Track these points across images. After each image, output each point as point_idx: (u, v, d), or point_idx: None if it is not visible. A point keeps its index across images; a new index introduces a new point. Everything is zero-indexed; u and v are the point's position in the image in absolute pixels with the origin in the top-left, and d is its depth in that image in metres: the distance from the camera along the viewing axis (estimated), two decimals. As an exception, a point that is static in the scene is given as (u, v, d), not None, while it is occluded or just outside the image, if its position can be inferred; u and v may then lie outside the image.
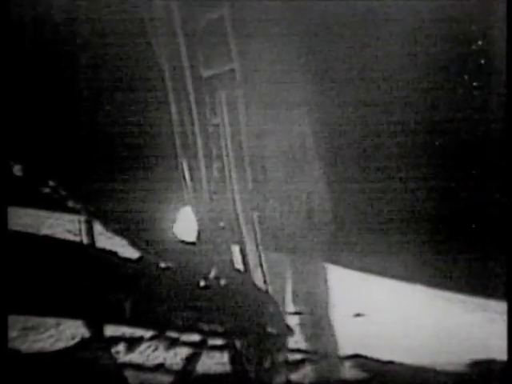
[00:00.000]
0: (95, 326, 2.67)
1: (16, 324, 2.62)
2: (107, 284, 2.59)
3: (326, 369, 2.75)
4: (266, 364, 2.71)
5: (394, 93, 2.91)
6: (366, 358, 2.83)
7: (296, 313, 2.82)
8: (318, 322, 2.80)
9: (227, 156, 2.72)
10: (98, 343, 2.66)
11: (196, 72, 2.72)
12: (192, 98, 2.74)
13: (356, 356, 2.82)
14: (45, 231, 2.83)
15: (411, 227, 2.91)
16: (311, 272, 2.87)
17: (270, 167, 2.86)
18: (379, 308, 2.91)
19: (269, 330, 2.74)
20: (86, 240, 2.77)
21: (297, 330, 2.80)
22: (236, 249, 2.80)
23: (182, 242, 2.84)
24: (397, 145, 2.91)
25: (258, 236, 2.77)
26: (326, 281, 2.86)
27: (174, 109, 2.78)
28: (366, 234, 2.92)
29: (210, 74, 2.71)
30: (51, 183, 2.82)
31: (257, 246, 2.77)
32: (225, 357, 2.73)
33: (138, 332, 2.71)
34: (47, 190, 2.82)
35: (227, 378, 2.71)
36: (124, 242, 2.88)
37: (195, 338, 2.74)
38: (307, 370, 2.73)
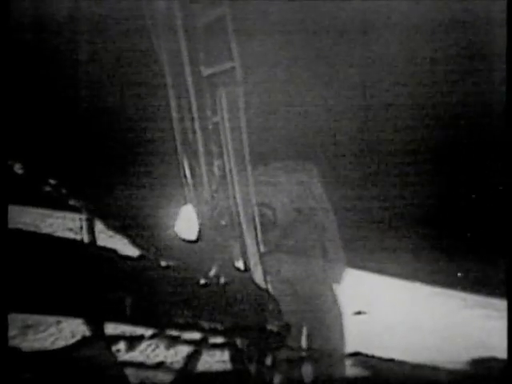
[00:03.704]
0: (95, 325, 2.66)
1: (16, 322, 2.61)
2: (108, 282, 2.58)
3: (328, 367, 2.75)
4: (267, 362, 2.71)
5: (395, 93, 2.92)
6: (366, 355, 2.83)
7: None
8: (321, 320, 2.80)
9: (228, 154, 2.72)
10: (99, 342, 2.66)
11: (196, 70, 2.72)
12: (192, 96, 2.75)
13: (356, 354, 2.83)
14: (45, 229, 2.83)
15: (411, 225, 2.92)
16: (311, 271, 2.87)
17: (270, 165, 2.87)
18: (379, 306, 2.92)
19: (269, 328, 2.74)
20: (86, 238, 2.77)
21: (299, 328, 2.80)
22: (237, 247, 2.80)
23: (183, 240, 2.84)
24: (397, 143, 2.92)
25: (259, 234, 2.77)
26: (326, 279, 2.86)
27: (174, 107, 2.78)
28: (366, 232, 2.92)
29: (211, 72, 2.71)
30: (52, 181, 2.82)
31: (257, 245, 2.77)
32: (225, 355, 2.73)
33: (139, 330, 2.70)
34: (48, 189, 2.81)
35: (228, 376, 2.70)
36: (125, 240, 2.88)
37: (196, 336, 2.73)
38: (308, 368, 2.73)
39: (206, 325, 2.69)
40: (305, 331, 2.81)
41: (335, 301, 2.85)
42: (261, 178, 2.78)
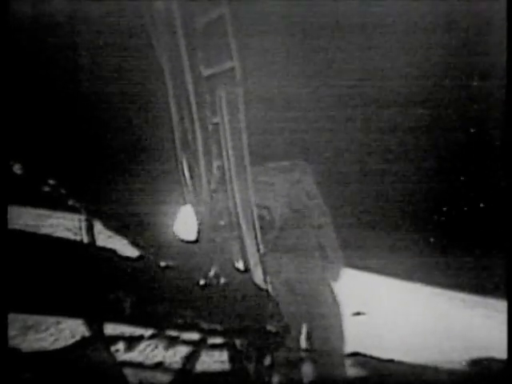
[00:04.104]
0: (95, 325, 2.67)
1: (16, 323, 2.62)
2: (107, 283, 2.59)
3: (328, 367, 2.76)
4: (266, 362, 2.71)
5: (394, 92, 2.91)
6: (365, 356, 2.83)
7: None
8: (321, 321, 2.80)
9: (227, 154, 2.72)
10: (98, 342, 2.66)
11: (196, 71, 2.72)
12: (192, 96, 2.75)
13: (356, 354, 2.83)
14: (45, 230, 2.83)
15: (411, 225, 2.91)
16: (310, 271, 2.87)
17: (266, 166, 2.87)
18: (379, 306, 2.92)
19: (268, 328, 2.74)
20: (86, 239, 2.77)
21: (299, 328, 2.81)
22: (236, 247, 2.80)
23: (182, 240, 2.84)
24: (396, 143, 2.92)
25: (258, 235, 2.77)
26: (325, 279, 2.86)
27: (173, 107, 2.78)
28: (366, 232, 2.92)
29: (210, 73, 2.71)
30: (51, 182, 2.83)
31: (257, 245, 2.77)
32: (224, 355, 2.73)
33: (138, 331, 2.71)
34: (47, 189, 2.82)
35: (227, 377, 2.71)
36: (124, 240, 2.88)
37: (195, 336, 2.74)
38: (308, 369, 2.73)
39: (205, 325, 2.70)
40: (304, 332, 2.82)
41: (335, 301, 2.85)
42: (257, 178, 2.79)
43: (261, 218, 2.78)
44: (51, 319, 2.69)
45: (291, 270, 2.85)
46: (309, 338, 2.80)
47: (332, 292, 2.85)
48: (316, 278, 2.85)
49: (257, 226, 2.77)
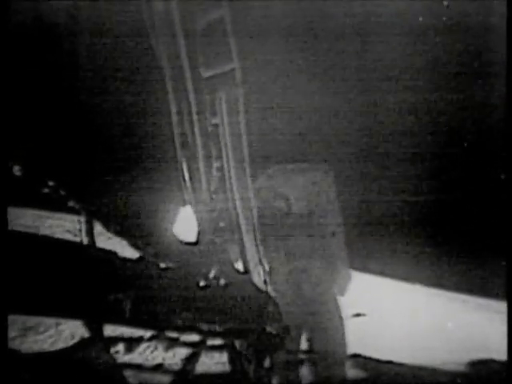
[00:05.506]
0: (95, 326, 2.67)
1: (16, 324, 2.62)
2: (107, 284, 2.59)
3: (328, 369, 2.76)
4: (265, 364, 2.71)
5: (395, 93, 2.91)
6: (365, 357, 2.83)
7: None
8: (322, 323, 2.80)
9: (227, 156, 2.72)
10: (98, 343, 2.66)
11: (196, 72, 2.72)
12: (192, 97, 2.75)
13: (355, 356, 2.83)
14: (45, 231, 2.83)
15: (411, 226, 2.91)
16: (312, 273, 2.87)
17: (270, 167, 2.86)
18: (379, 308, 2.91)
19: (268, 330, 2.74)
20: (85, 240, 2.78)
21: (299, 330, 2.80)
22: (236, 249, 2.80)
23: (182, 242, 2.84)
24: (397, 145, 2.91)
25: (258, 236, 2.77)
26: (327, 282, 2.86)
27: (174, 109, 2.78)
28: (366, 233, 2.92)
29: (210, 74, 2.71)
30: (51, 183, 2.83)
31: (256, 246, 2.77)
32: (224, 357, 2.73)
33: (138, 332, 2.71)
34: (47, 191, 2.82)
35: (226, 378, 2.71)
36: (124, 242, 2.88)
37: (194, 338, 2.74)
38: (307, 371, 2.73)
39: (204, 327, 2.70)
40: (305, 333, 2.82)
41: (336, 303, 2.85)
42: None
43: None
44: (51, 320, 2.69)
45: (293, 272, 2.85)
46: (310, 339, 2.80)
47: (333, 294, 2.85)
48: (318, 280, 2.85)
49: (256, 226, 2.76)
